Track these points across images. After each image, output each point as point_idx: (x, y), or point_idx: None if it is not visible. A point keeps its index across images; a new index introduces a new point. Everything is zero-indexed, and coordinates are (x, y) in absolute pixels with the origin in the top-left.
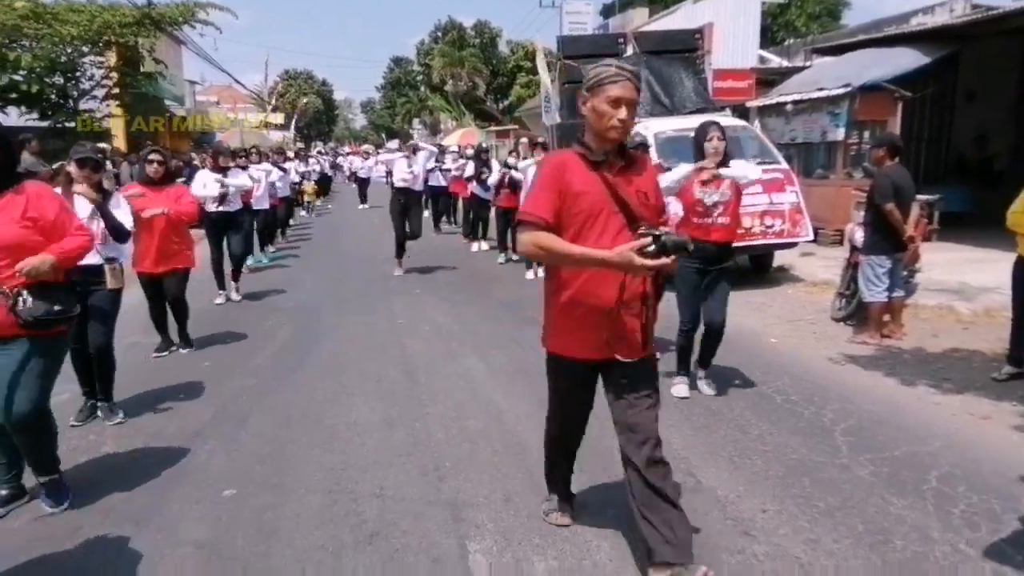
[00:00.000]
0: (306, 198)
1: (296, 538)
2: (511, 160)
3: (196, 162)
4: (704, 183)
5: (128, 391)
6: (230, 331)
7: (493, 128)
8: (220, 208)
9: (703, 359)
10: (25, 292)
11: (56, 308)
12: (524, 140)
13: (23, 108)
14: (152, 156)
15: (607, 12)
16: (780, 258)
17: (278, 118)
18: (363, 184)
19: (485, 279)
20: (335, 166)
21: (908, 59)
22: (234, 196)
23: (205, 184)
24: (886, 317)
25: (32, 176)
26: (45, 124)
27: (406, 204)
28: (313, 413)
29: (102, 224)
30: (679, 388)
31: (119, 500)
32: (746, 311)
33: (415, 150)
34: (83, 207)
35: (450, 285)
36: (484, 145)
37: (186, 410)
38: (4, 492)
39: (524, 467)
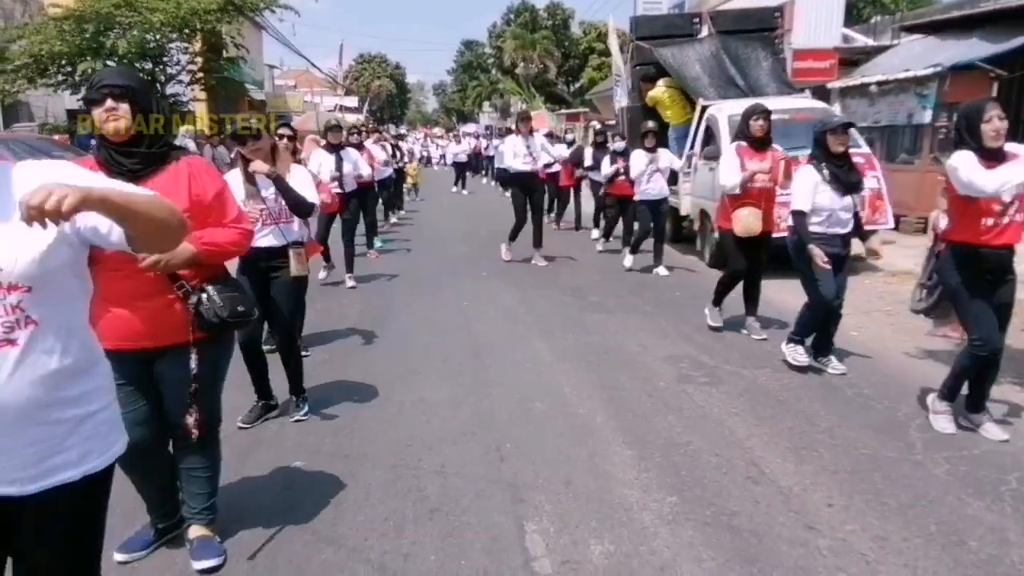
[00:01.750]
0: (410, 180)
1: (361, 509)
2: (618, 146)
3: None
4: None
5: None
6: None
7: (563, 111)
8: (338, 189)
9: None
10: (210, 289)
11: (240, 309)
12: (595, 124)
13: None
14: (282, 131)
15: None
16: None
17: (352, 101)
18: (461, 168)
19: (553, 264)
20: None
21: (1006, 37)
22: (348, 177)
23: (320, 164)
24: None
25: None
26: None
27: (531, 189)
28: (382, 390)
29: (282, 200)
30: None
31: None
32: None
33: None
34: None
35: (517, 268)
36: (598, 127)
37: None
38: (161, 526)
39: (586, 450)
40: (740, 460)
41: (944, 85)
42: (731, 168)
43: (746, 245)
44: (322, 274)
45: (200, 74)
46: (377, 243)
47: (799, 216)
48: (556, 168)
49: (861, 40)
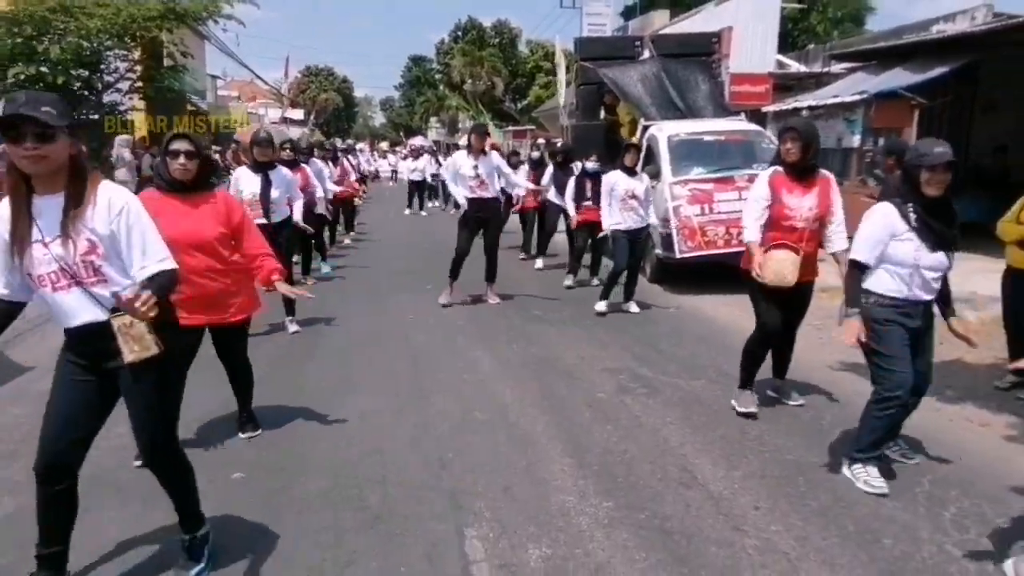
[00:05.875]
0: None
1: (300, 520)
2: (591, 166)
3: (216, 158)
4: None
5: None
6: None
7: (510, 128)
8: (262, 220)
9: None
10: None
11: None
12: (540, 141)
13: None
14: (177, 144)
15: (628, 14)
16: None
17: (298, 114)
18: (418, 187)
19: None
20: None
21: (927, 68)
22: (279, 202)
23: (241, 186)
24: None
25: None
26: None
27: (483, 220)
28: (323, 401)
29: (77, 244)
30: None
31: (128, 479)
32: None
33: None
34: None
35: (461, 282)
36: (560, 144)
37: (198, 396)
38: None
39: (525, 459)
40: (674, 467)
41: (870, 111)
42: (754, 206)
43: (779, 296)
44: (292, 327)
45: (139, 83)
46: (325, 268)
47: (855, 269)
48: (520, 192)
49: (794, 67)
